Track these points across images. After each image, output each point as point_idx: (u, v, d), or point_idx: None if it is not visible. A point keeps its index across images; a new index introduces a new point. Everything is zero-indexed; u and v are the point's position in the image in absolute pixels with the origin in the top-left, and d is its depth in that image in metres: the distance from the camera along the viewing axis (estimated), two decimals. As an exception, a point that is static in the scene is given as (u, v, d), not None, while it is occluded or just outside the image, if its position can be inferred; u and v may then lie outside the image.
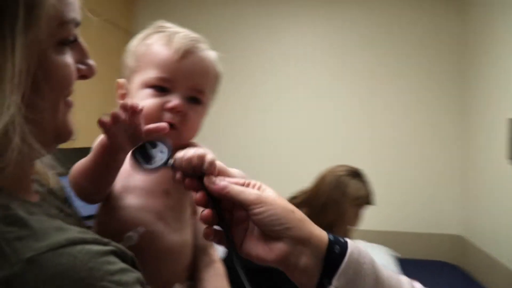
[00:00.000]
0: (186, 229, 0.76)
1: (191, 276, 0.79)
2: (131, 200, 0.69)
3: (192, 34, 0.73)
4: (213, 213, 0.54)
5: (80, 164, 0.68)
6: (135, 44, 0.74)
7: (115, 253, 0.46)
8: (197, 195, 0.54)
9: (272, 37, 3.24)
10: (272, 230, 0.54)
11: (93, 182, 0.67)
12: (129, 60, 0.74)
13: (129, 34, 3.25)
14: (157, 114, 0.68)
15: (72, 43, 0.52)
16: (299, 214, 0.56)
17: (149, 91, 0.69)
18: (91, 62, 0.56)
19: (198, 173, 0.54)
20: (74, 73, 0.53)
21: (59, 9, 0.48)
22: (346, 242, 0.56)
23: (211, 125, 3.45)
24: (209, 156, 0.54)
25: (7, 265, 0.39)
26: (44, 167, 0.62)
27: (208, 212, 0.54)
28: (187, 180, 0.54)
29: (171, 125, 0.67)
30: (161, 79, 0.69)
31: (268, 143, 3.26)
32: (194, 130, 0.74)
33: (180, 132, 0.70)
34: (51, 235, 0.43)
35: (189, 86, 0.70)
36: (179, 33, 0.71)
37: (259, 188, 0.57)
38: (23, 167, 0.51)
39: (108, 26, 2.91)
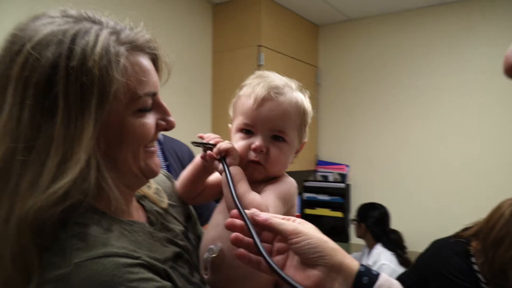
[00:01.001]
0: None
1: None
2: (220, 220, 0.81)
3: (276, 82, 0.82)
4: (254, 242, 0.62)
5: (182, 174, 0.90)
6: (235, 95, 0.89)
7: (142, 265, 0.57)
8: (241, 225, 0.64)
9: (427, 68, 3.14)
10: (308, 258, 0.60)
11: (187, 187, 0.89)
12: (230, 109, 0.90)
13: (314, 67, 3.65)
14: (245, 153, 0.81)
15: (152, 108, 0.67)
16: (332, 244, 0.63)
17: (239, 134, 0.83)
18: (170, 119, 0.71)
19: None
20: (151, 129, 0.67)
21: (131, 89, 0.62)
22: (377, 275, 0.62)
23: (373, 156, 3.46)
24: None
25: (64, 266, 0.54)
26: (156, 193, 0.82)
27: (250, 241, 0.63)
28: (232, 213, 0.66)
29: (257, 162, 0.80)
30: (246, 124, 0.81)
31: (446, 173, 3.12)
32: (278, 164, 0.82)
33: (265, 167, 0.81)
34: (96, 249, 0.56)
35: (269, 128, 0.81)
36: (261, 83, 0.82)
37: (299, 223, 0.65)
38: (115, 197, 0.64)
39: (296, 62, 3.34)
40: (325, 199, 3.50)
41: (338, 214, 3.46)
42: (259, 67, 2.96)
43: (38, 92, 0.57)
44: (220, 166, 0.78)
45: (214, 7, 3.21)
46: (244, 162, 0.82)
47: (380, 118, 3.43)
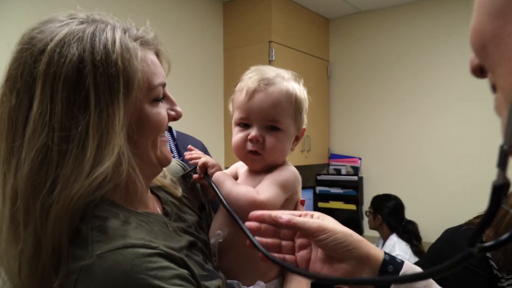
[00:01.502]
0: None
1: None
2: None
3: (266, 74, 0.86)
4: (250, 241, 0.66)
5: None
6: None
7: (160, 255, 0.60)
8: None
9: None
10: (336, 253, 0.62)
11: None
12: (229, 105, 0.94)
13: (325, 61, 3.66)
14: (243, 145, 0.85)
15: (163, 98, 0.72)
16: (356, 236, 0.64)
17: (237, 128, 0.87)
18: (178, 108, 0.76)
19: None
20: (165, 118, 0.72)
21: (147, 78, 0.67)
22: (402, 263, 0.63)
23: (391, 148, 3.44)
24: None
25: (87, 257, 0.57)
26: (172, 182, 0.85)
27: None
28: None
29: (255, 152, 0.84)
30: (242, 118, 0.85)
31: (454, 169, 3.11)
32: (276, 152, 0.85)
33: (263, 156, 0.85)
34: (115, 240, 0.59)
35: (262, 118, 0.84)
36: (253, 76, 0.86)
37: (318, 217, 0.65)
38: (135, 186, 0.68)
39: (307, 57, 3.37)
40: (338, 192, 3.53)
41: (352, 206, 3.48)
42: (270, 62, 2.99)
43: (69, 85, 0.61)
44: (205, 181, 0.87)
45: (224, 4, 3.25)
46: (243, 154, 0.86)
47: (391, 110, 3.43)
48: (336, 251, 0.62)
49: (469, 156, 3.08)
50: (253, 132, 0.84)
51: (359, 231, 3.42)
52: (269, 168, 0.88)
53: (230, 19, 3.23)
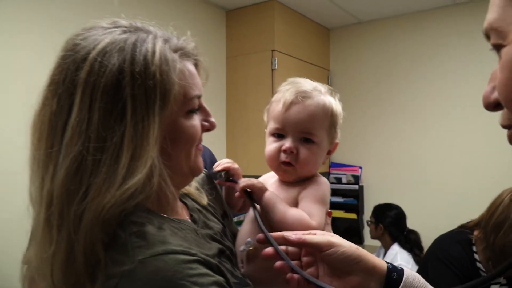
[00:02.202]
0: None
1: None
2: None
3: (304, 87, 0.87)
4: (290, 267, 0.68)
5: None
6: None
7: (199, 261, 0.61)
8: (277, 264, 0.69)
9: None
10: (345, 266, 0.65)
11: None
12: (264, 115, 0.94)
13: (326, 70, 3.69)
14: (276, 155, 0.86)
15: (198, 109, 0.72)
16: (361, 249, 0.67)
17: (272, 138, 0.88)
18: (212, 119, 0.76)
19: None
20: (199, 130, 0.72)
21: (184, 91, 0.68)
22: (402, 269, 0.67)
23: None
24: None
25: (128, 262, 0.57)
26: (197, 190, 0.87)
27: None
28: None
29: (288, 163, 0.85)
30: (277, 128, 0.87)
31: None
32: (308, 164, 0.86)
33: (295, 168, 0.85)
34: (156, 246, 0.59)
35: (297, 130, 0.85)
36: (290, 88, 0.87)
37: (323, 234, 0.69)
38: (165, 195, 0.68)
39: (308, 66, 3.39)
40: (339, 201, 3.53)
41: (352, 215, 3.48)
42: (272, 71, 3.01)
43: (107, 95, 0.61)
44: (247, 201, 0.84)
45: (228, 13, 3.27)
46: (276, 164, 0.87)
47: (392, 119, 3.46)
48: (345, 264, 0.65)
49: (470, 165, 3.10)
50: (287, 143, 0.85)
51: (360, 240, 3.41)
52: (301, 180, 0.88)
53: (233, 28, 3.25)
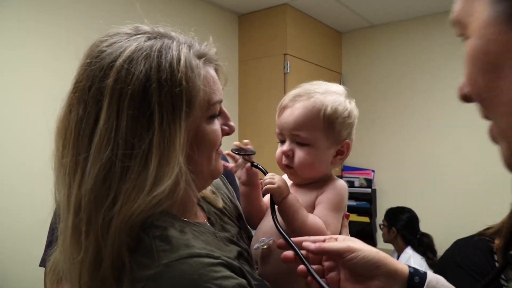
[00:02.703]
0: None
1: None
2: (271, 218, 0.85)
3: (297, 91, 0.88)
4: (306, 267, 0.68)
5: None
6: None
7: (222, 264, 0.61)
8: (300, 268, 0.68)
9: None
10: (366, 271, 0.64)
11: (248, 213, 0.94)
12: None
13: (338, 74, 3.69)
14: (279, 159, 0.88)
15: (219, 114, 0.73)
16: (382, 253, 0.66)
17: (279, 143, 0.90)
18: (231, 123, 0.77)
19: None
20: (220, 134, 0.73)
21: (208, 97, 0.68)
22: (425, 273, 0.66)
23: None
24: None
25: (154, 266, 0.57)
26: (212, 193, 0.87)
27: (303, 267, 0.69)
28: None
29: (288, 166, 0.87)
30: (277, 134, 0.89)
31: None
32: (305, 166, 0.85)
33: (294, 170, 0.86)
34: (180, 250, 0.59)
35: (290, 134, 0.86)
36: (291, 93, 0.89)
37: (343, 240, 0.69)
38: (188, 199, 0.70)
39: (320, 69, 3.40)
40: (352, 204, 3.52)
41: (365, 219, 3.47)
42: (285, 75, 3.03)
43: (135, 103, 0.61)
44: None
45: (240, 17, 3.30)
46: (282, 167, 0.89)
47: (404, 123, 3.44)
48: (366, 268, 0.64)
49: (484, 168, 3.06)
50: (284, 146, 0.87)
51: (373, 243, 3.40)
52: (314, 182, 0.88)
53: (245, 32, 3.28)
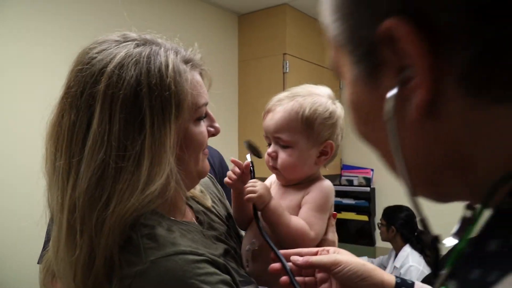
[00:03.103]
0: None
1: None
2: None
3: (281, 95, 0.91)
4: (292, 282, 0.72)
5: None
6: None
7: (207, 261, 0.64)
8: (282, 278, 0.72)
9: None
10: (353, 283, 0.66)
11: (238, 217, 0.95)
12: None
13: (337, 73, 3.70)
14: (267, 161, 0.91)
15: (205, 117, 0.76)
16: (369, 265, 0.68)
17: (267, 145, 0.93)
18: (216, 125, 0.80)
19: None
20: (206, 136, 0.77)
21: (195, 100, 0.71)
22: (413, 283, 0.68)
23: None
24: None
25: (141, 263, 0.61)
26: (201, 193, 0.90)
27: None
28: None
29: (273, 167, 0.90)
30: (264, 136, 0.93)
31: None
32: (288, 167, 0.88)
33: (279, 171, 0.90)
34: (166, 247, 0.63)
35: (273, 137, 0.89)
36: (274, 97, 0.92)
37: (334, 252, 0.72)
38: (177, 199, 0.74)
39: (320, 69, 3.42)
40: (351, 203, 3.54)
41: (364, 217, 3.49)
42: (284, 74, 3.05)
43: (126, 107, 0.64)
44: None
45: (240, 17, 3.32)
46: (270, 169, 0.92)
47: (404, 122, 3.45)
48: (352, 281, 0.66)
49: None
50: (269, 149, 0.91)
51: (371, 242, 3.42)
52: (301, 182, 0.91)
53: (245, 32, 3.29)
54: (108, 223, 0.63)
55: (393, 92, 0.30)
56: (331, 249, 0.74)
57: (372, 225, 3.45)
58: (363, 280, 0.66)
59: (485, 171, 0.29)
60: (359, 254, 3.15)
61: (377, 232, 3.21)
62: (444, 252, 0.39)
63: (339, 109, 0.91)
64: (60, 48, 2.10)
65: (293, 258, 0.72)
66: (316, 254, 0.73)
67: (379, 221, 3.02)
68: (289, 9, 3.11)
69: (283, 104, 0.89)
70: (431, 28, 0.27)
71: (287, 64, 3.05)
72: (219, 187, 1.03)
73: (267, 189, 0.85)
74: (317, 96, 0.90)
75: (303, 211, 0.86)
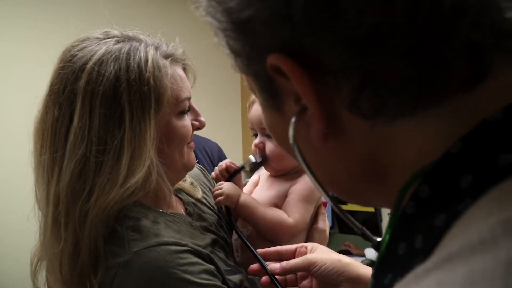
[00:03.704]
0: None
1: None
2: None
3: None
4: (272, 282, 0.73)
5: None
6: None
7: (189, 251, 0.66)
8: (263, 279, 0.74)
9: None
10: (330, 279, 0.69)
11: None
12: None
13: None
14: (254, 152, 0.90)
15: (189, 110, 0.77)
16: (345, 260, 0.70)
17: (253, 136, 0.93)
18: (201, 119, 0.80)
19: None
20: (190, 129, 0.77)
21: (176, 94, 0.72)
22: None
23: None
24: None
25: (124, 254, 0.63)
26: (191, 185, 0.91)
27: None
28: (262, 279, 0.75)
29: (263, 158, 0.89)
30: (250, 128, 0.93)
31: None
32: (278, 157, 0.87)
33: (269, 162, 0.89)
34: (149, 239, 0.65)
35: (259, 128, 0.89)
36: None
37: (311, 249, 0.73)
38: (161, 191, 0.74)
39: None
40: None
41: (370, 209, 3.47)
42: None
43: (106, 102, 0.66)
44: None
45: (241, 11, 3.31)
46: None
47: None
48: (329, 277, 0.68)
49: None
50: (256, 140, 0.91)
51: (378, 233, 3.40)
52: (289, 172, 0.91)
53: (246, 26, 3.28)
54: (90, 215, 0.64)
55: (293, 119, 0.31)
56: (309, 245, 0.75)
57: (379, 216, 3.43)
58: (339, 276, 0.68)
59: (398, 179, 0.30)
60: (365, 246, 3.14)
61: (384, 224, 3.20)
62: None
63: None
64: (39, 55, 2.11)
65: (271, 266, 0.73)
66: (295, 252, 0.75)
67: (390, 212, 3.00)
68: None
69: None
70: (312, 63, 0.28)
71: (289, 56, 3.04)
72: (210, 177, 1.03)
73: (234, 187, 0.85)
74: None
75: (288, 201, 0.87)
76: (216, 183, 0.92)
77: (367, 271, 0.69)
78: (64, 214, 0.66)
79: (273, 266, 0.73)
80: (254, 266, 0.76)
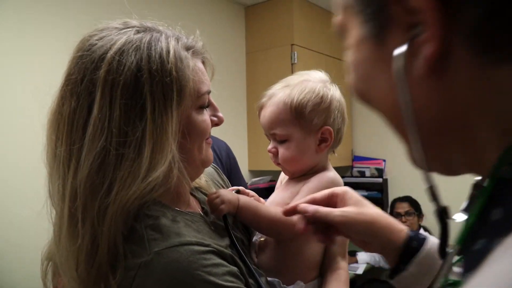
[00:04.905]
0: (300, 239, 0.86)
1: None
2: None
3: (271, 90, 0.89)
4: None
5: None
6: None
7: (213, 252, 0.63)
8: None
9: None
10: (360, 238, 0.68)
11: None
12: None
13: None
14: (271, 157, 0.91)
15: (208, 105, 0.75)
16: (378, 224, 0.66)
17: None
18: (220, 114, 0.78)
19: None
20: (210, 124, 0.75)
21: (196, 88, 0.70)
22: (425, 239, 0.66)
23: None
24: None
25: (145, 254, 0.60)
26: (207, 182, 0.88)
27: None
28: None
29: (278, 163, 0.89)
30: (264, 134, 0.92)
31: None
32: (290, 160, 0.87)
33: (282, 166, 0.89)
34: (171, 238, 0.61)
35: (269, 133, 0.88)
36: (266, 92, 0.90)
37: (344, 200, 0.69)
38: (180, 188, 0.72)
39: (329, 59, 3.37)
40: (363, 194, 3.48)
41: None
42: (292, 65, 3.01)
43: (127, 92, 0.63)
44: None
45: (246, 8, 3.29)
46: (275, 164, 0.91)
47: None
48: (358, 237, 0.67)
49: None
50: (269, 146, 0.90)
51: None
52: (305, 174, 0.90)
53: (252, 23, 3.26)
54: (110, 211, 0.61)
55: (403, 48, 0.31)
56: (340, 191, 0.71)
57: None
58: (369, 238, 0.67)
59: (483, 141, 0.30)
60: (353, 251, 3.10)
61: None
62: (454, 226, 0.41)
63: (332, 91, 0.88)
64: (50, 46, 2.08)
65: (303, 207, 0.69)
66: (327, 198, 0.71)
67: (407, 210, 2.98)
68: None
69: (272, 99, 0.88)
70: None
71: (295, 55, 3.01)
72: (224, 176, 1.01)
73: (230, 192, 0.83)
74: (307, 82, 0.87)
75: (294, 198, 0.85)
76: (225, 187, 0.90)
77: (402, 234, 0.67)
78: (81, 210, 0.62)
79: (303, 207, 0.68)
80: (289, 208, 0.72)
